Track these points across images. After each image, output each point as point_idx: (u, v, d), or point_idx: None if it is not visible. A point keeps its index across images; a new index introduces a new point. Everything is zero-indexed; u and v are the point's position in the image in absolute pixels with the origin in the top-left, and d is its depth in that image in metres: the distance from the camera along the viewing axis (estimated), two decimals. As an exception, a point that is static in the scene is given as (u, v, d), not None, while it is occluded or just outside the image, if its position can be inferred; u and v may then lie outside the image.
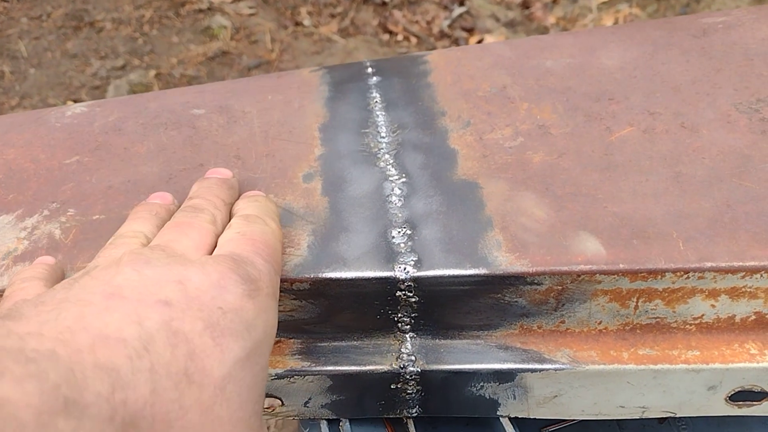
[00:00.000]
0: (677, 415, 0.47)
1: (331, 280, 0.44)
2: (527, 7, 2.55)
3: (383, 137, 0.55)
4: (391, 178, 0.51)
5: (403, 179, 0.50)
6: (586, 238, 0.44)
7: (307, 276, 0.44)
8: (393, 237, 0.46)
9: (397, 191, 0.49)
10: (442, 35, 2.44)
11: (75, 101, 2.17)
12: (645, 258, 0.43)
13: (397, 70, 0.64)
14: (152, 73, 2.25)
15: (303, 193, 0.50)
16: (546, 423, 0.53)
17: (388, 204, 0.48)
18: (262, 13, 2.50)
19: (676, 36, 0.64)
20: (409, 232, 0.46)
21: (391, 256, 0.45)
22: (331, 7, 2.53)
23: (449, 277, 0.43)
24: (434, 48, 2.37)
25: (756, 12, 0.66)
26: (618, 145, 0.52)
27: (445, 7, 2.53)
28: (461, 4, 2.52)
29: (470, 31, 2.46)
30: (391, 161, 0.52)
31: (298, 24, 2.46)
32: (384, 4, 2.51)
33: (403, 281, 0.44)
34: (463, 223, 0.46)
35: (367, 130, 0.56)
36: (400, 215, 0.47)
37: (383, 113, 0.57)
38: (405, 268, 0.44)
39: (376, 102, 0.59)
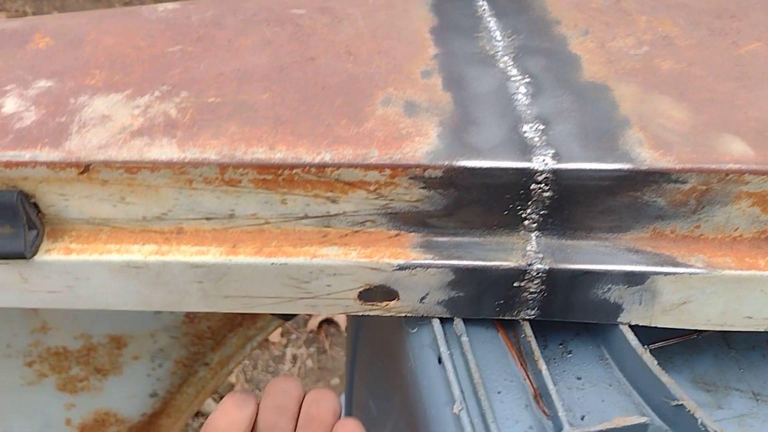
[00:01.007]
0: (802, 331, 0.46)
1: (465, 168, 0.42)
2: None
3: (498, 41, 0.53)
4: (513, 79, 0.49)
5: (527, 80, 0.49)
6: (731, 140, 0.43)
7: (440, 163, 0.43)
8: (525, 132, 0.44)
9: (523, 90, 0.48)
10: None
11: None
12: (797, 159, 0.41)
13: (500, -18, 0.62)
14: None
15: (423, 88, 0.48)
16: (652, 341, 0.52)
17: (515, 101, 0.47)
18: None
19: (791, -38, 0.62)
20: (542, 127, 0.45)
21: (526, 148, 0.43)
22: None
23: (590, 170, 0.42)
24: None
25: None
26: (748, 58, 0.50)
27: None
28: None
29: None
30: (511, 63, 0.50)
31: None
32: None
33: (541, 173, 0.42)
34: (598, 121, 0.45)
35: (479, 34, 0.54)
36: (529, 112, 0.46)
37: (494, 19, 0.56)
38: (543, 160, 0.42)
39: (484, 10, 0.57)
